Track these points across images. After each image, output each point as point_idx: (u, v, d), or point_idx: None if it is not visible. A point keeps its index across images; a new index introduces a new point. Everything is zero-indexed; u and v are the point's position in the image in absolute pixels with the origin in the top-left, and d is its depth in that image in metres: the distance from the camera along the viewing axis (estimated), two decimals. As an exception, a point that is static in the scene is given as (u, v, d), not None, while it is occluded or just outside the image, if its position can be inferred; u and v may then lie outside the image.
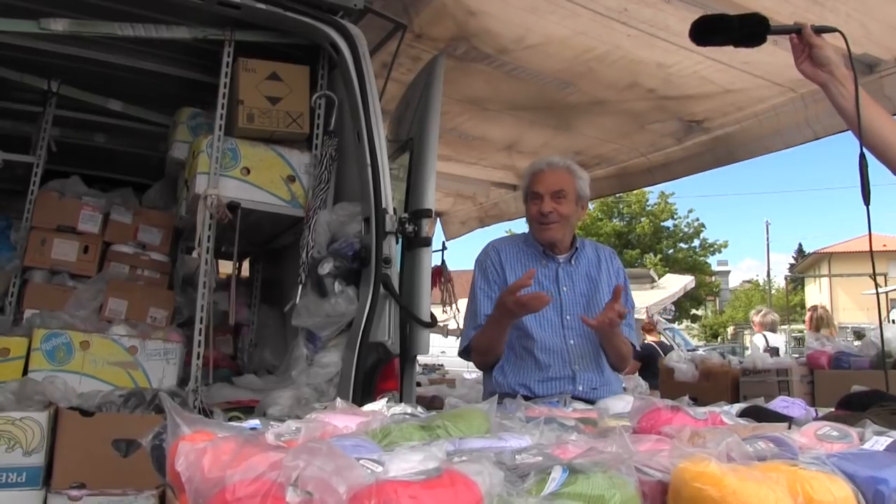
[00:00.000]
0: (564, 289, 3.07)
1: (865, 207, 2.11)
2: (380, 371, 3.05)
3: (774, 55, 3.84)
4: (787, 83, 4.59)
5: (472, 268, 3.27)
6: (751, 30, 2.16)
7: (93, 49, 4.05)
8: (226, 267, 5.43)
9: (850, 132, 2.18)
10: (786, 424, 1.62)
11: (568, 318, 3.04)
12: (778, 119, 4.96)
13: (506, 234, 3.45)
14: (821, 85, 2.21)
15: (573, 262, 3.13)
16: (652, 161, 6.09)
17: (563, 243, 3.13)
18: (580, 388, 2.94)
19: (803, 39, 2.17)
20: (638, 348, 3.32)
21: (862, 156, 2.10)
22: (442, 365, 11.52)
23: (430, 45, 4.26)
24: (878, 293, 2.11)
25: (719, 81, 4.62)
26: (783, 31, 2.20)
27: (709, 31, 2.21)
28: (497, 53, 4.37)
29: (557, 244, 3.11)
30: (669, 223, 35.70)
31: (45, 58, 4.08)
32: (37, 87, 4.41)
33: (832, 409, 2.18)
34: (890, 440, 1.29)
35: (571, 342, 3.02)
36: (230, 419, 2.99)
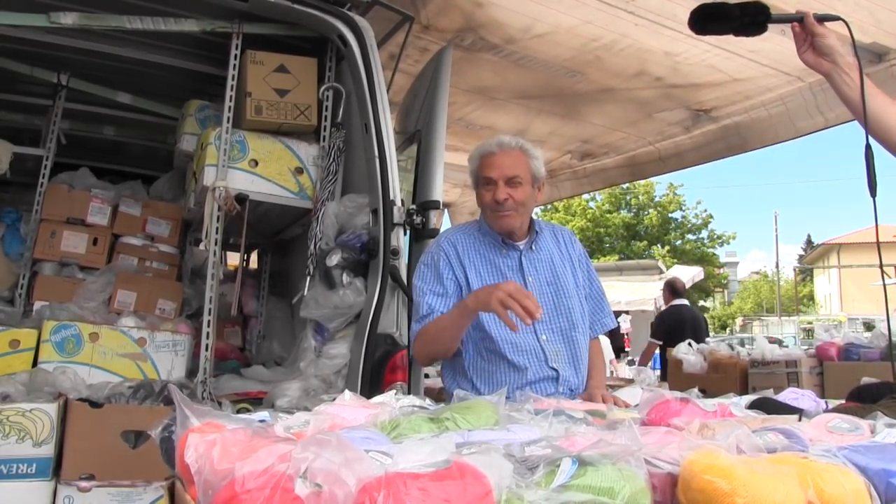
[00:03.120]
0: (530, 279, 2.76)
1: (872, 199, 2.07)
2: (388, 363, 3.05)
3: (782, 44, 3.83)
4: (794, 72, 4.57)
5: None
6: (751, 18, 2.10)
7: (102, 42, 4.07)
8: (234, 259, 5.45)
9: (857, 119, 2.14)
10: (796, 416, 1.62)
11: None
12: (786, 108, 4.95)
13: (458, 226, 3.14)
14: (824, 75, 2.15)
15: (534, 248, 2.82)
16: (662, 150, 6.08)
17: (521, 230, 2.80)
18: (560, 390, 2.66)
19: (805, 28, 2.11)
20: (616, 325, 3.09)
21: (868, 147, 2.06)
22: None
23: (437, 36, 4.26)
24: (884, 284, 2.10)
25: (727, 70, 4.61)
26: (784, 19, 2.13)
27: (708, 19, 2.15)
28: (504, 43, 4.37)
29: (516, 231, 2.78)
30: (677, 214, 35.59)
31: (55, 51, 4.10)
32: (47, 81, 4.42)
33: (842, 401, 2.18)
34: (901, 432, 1.29)
35: (544, 337, 2.70)
36: (239, 411, 3.00)
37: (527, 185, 2.72)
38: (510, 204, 2.69)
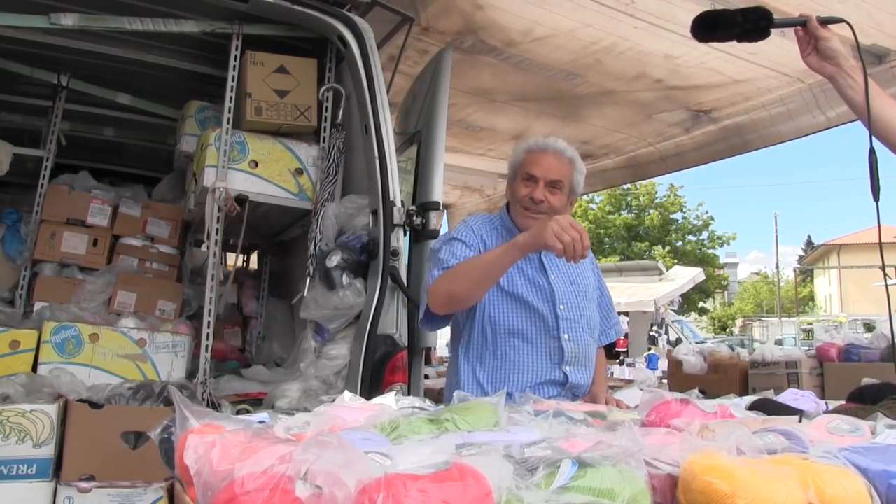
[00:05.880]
0: (552, 276, 2.69)
1: (875, 203, 2.05)
2: (388, 364, 3.05)
3: (782, 46, 3.83)
4: (794, 73, 4.58)
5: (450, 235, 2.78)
6: (753, 24, 2.09)
7: (102, 43, 4.06)
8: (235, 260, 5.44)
9: (861, 122, 2.13)
10: (796, 417, 1.62)
11: (562, 308, 2.66)
12: (787, 108, 4.96)
13: (479, 215, 3.06)
14: (828, 78, 2.14)
15: None
16: (662, 150, 6.09)
17: None
18: (566, 392, 2.64)
19: (809, 32, 2.10)
20: (622, 337, 3.06)
21: (871, 150, 2.04)
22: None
23: (437, 38, 4.26)
24: (886, 285, 2.09)
25: (727, 72, 4.62)
26: (787, 23, 2.13)
27: (710, 27, 2.14)
28: (504, 46, 4.37)
29: None
30: (678, 215, 35.57)
31: (55, 52, 4.09)
32: (47, 82, 4.42)
33: (842, 402, 2.17)
34: (901, 433, 1.29)
35: (566, 336, 2.64)
36: (238, 412, 3.00)
37: (563, 195, 2.69)
38: (544, 206, 2.64)
